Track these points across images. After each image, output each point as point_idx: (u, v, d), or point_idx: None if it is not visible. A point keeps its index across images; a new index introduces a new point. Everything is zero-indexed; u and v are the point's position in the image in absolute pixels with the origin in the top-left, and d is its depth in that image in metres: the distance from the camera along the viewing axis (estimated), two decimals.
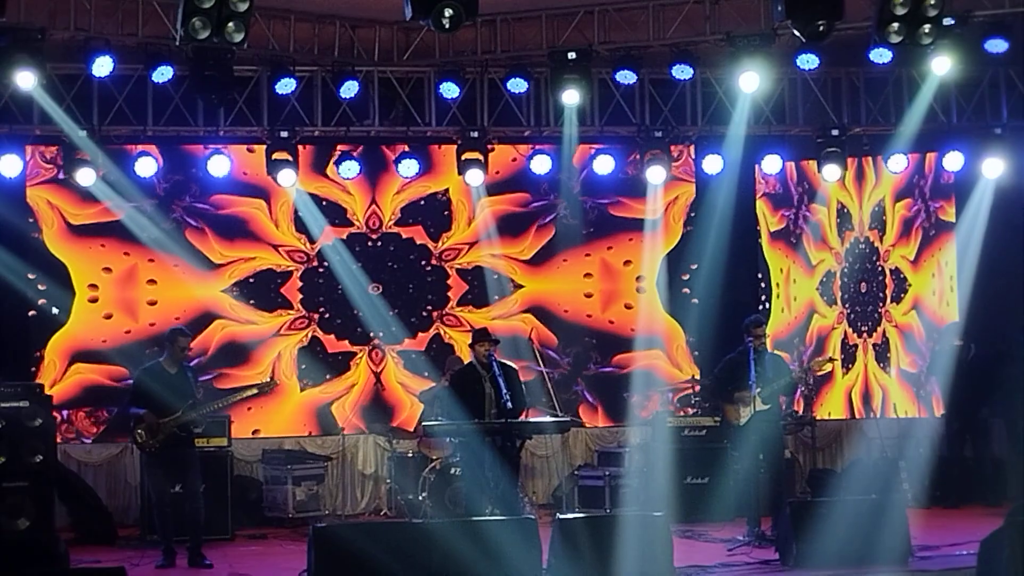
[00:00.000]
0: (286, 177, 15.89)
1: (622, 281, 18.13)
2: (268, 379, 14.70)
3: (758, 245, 18.63)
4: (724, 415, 14.55)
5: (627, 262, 18.09)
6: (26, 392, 14.65)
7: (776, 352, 14.96)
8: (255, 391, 14.36)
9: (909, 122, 16.36)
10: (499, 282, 17.68)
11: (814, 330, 18.36)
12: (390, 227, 17.43)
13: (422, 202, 17.49)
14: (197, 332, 16.04)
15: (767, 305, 18.66)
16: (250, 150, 16.64)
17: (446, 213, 17.58)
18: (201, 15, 11.74)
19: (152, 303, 16.90)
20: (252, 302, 17.19)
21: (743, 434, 14.20)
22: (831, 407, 18.12)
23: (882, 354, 18.20)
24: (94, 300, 16.78)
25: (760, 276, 18.60)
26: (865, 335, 18.36)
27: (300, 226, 17.16)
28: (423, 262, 17.62)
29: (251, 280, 17.21)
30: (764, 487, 14.18)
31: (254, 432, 16.97)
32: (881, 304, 18.29)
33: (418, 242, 17.55)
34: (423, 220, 17.52)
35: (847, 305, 18.38)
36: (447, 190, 17.48)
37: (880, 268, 18.30)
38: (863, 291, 18.35)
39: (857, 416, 17.98)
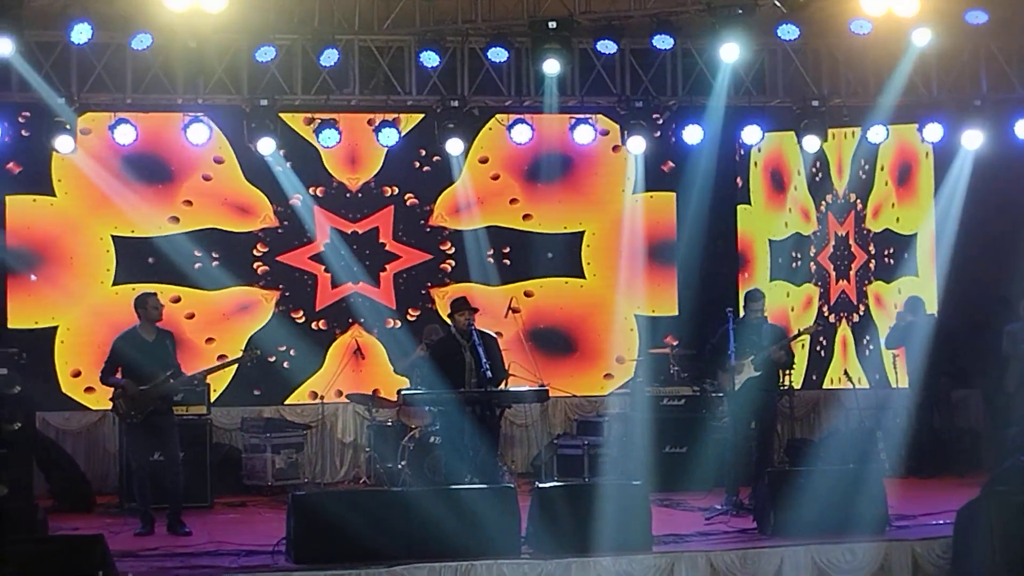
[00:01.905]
0: (266, 145, 15.85)
1: None
2: (251, 350, 14.63)
3: (735, 216, 18.71)
4: (720, 383, 14.66)
5: None
6: (4, 359, 14.63)
7: (776, 324, 14.98)
8: (236, 363, 14.37)
9: (889, 94, 16.38)
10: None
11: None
12: None
13: None
14: None
15: (746, 275, 18.71)
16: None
17: None
18: None
19: None
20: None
21: (733, 400, 14.27)
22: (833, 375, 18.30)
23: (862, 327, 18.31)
24: None
25: (738, 247, 18.70)
26: (845, 314, 18.50)
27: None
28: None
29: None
30: (751, 454, 14.25)
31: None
32: (867, 281, 18.37)
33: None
34: None
35: (818, 281, 18.49)
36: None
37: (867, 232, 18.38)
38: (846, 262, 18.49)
39: (834, 386, 18.08)
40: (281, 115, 16.28)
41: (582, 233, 18.21)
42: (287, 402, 17.21)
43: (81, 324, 16.68)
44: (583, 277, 18.22)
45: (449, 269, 17.86)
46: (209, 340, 17.06)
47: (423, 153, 17.64)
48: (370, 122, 16.90)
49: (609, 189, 18.17)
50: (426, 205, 17.84)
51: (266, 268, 17.45)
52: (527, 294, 17.86)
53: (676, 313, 17.87)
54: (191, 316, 17.05)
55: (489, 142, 17.76)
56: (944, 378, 16.82)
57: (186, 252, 17.00)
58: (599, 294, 18.19)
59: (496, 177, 18.01)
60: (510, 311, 16.52)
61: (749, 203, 18.66)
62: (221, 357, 15.93)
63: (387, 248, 17.76)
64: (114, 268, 16.88)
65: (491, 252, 17.87)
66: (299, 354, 17.36)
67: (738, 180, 18.54)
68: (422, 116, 16.98)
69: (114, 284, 16.78)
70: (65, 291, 16.72)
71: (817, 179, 18.48)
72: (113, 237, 16.93)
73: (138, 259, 16.89)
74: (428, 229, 17.86)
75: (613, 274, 18.19)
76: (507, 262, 17.95)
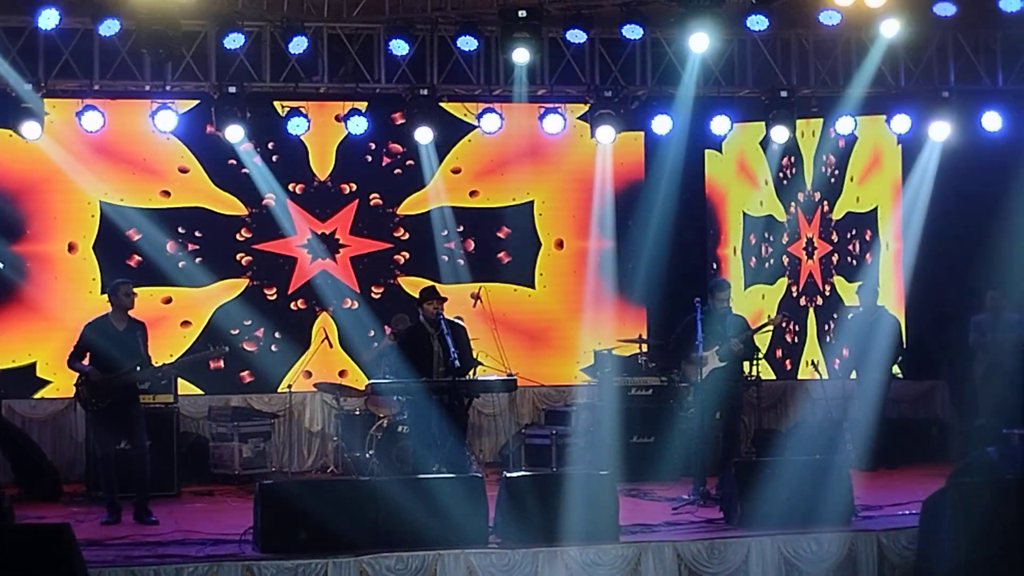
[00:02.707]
0: (234, 133, 15.78)
1: None
2: (220, 347, 14.57)
3: (705, 205, 18.78)
4: (683, 373, 14.67)
5: None
6: None
7: (738, 314, 15.04)
8: (207, 358, 14.34)
9: (857, 85, 16.42)
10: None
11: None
12: None
13: None
14: None
15: (715, 266, 18.77)
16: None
17: None
18: None
19: None
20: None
21: (698, 391, 14.28)
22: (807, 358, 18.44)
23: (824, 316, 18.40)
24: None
25: (711, 236, 18.78)
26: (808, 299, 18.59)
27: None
28: None
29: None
30: (717, 444, 14.28)
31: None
32: (831, 273, 18.46)
33: None
34: None
35: (789, 272, 18.58)
36: None
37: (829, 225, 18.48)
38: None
39: (804, 376, 18.15)
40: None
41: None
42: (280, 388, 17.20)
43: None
44: (532, 287, 18.29)
45: (402, 261, 17.92)
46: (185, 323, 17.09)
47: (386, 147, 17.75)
48: (337, 117, 16.85)
49: (563, 160, 18.22)
50: (390, 207, 17.89)
51: (249, 258, 17.44)
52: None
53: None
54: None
55: (464, 154, 17.90)
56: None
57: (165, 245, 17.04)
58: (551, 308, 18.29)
59: (457, 171, 18.11)
60: (477, 300, 16.47)
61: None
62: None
63: (341, 242, 17.80)
64: (99, 276, 16.79)
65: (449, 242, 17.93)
66: (284, 337, 17.40)
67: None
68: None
69: (103, 292, 16.49)
70: (47, 315, 16.59)
71: (789, 177, 18.56)
72: (101, 203, 16.96)
73: (120, 261, 16.81)
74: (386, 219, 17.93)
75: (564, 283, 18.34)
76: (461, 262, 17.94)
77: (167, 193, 17.20)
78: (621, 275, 18.00)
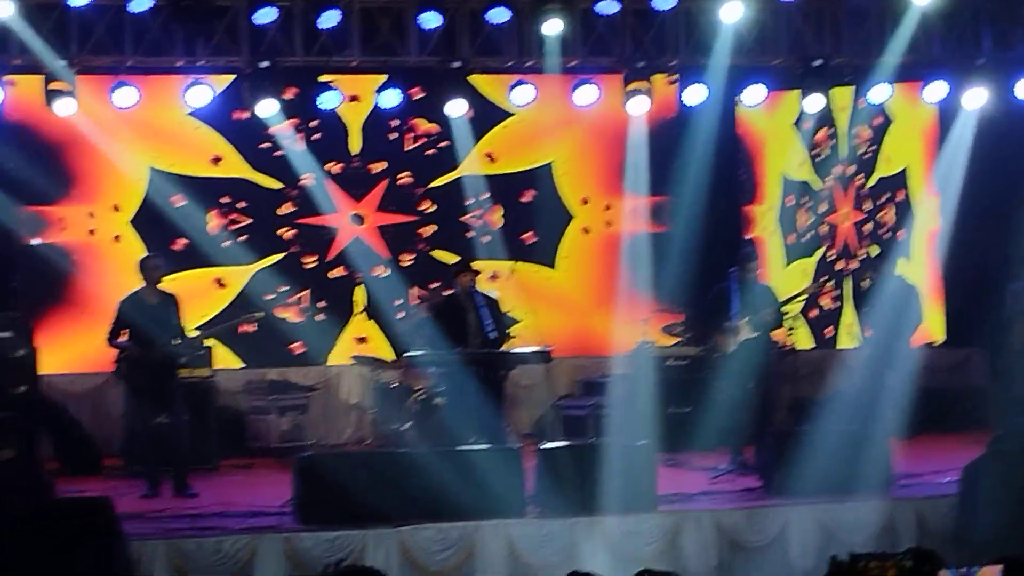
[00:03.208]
0: (265, 107, 15.74)
1: None
2: (253, 313, 14.60)
3: (737, 179, 18.74)
4: (714, 344, 14.61)
5: None
6: (8, 322, 14.65)
7: (766, 284, 15.00)
8: (239, 325, 14.38)
9: (891, 53, 16.31)
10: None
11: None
12: None
13: None
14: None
15: (749, 238, 18.72)
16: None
17: None
18: None
19: None
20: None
21: (731, 362, 14.26)
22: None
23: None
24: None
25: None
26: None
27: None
28: None
29: None
30: (750, 415, 14.25)
31: None
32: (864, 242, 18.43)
33: None
34: None
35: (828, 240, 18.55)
36: None
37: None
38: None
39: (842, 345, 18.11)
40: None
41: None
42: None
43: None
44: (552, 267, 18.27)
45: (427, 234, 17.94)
46: None
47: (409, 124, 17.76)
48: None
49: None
50: (417, 188, 17.92)
51: (294, 232, 17.49)
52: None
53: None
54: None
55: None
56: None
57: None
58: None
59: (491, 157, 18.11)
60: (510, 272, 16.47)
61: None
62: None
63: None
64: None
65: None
66: (330, 305, 17.47)
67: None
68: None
69: None
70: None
71: (826, 151, 18.53)
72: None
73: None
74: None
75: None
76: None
77: (217, 160, 17.30)
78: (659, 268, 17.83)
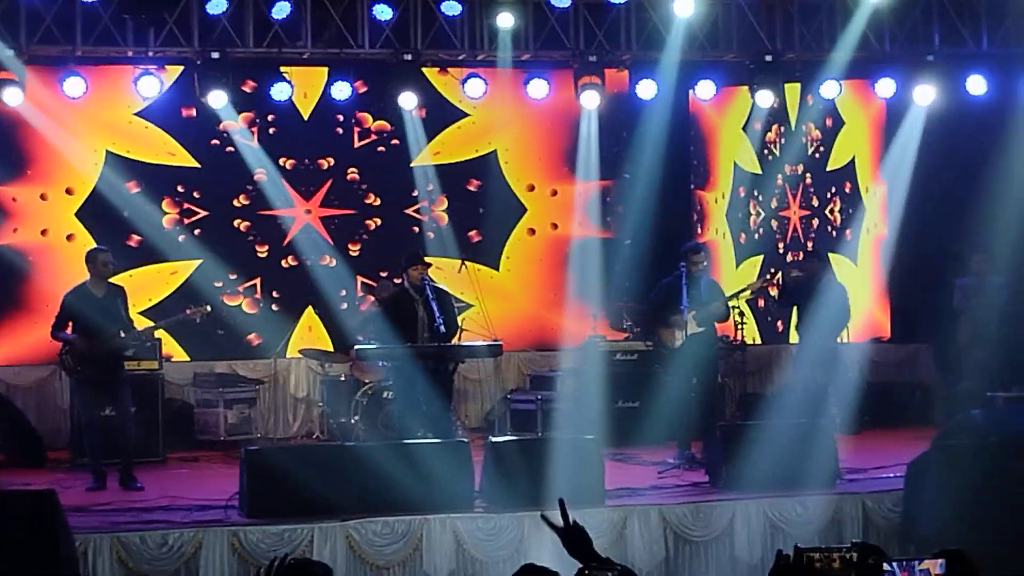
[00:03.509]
0: (216, 99, 15.67)
1: None
2: (203, 305, 14.54)
3: (691, 169, 18.80)
4: (659, 339, 14.61)
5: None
6: None
7: (712, 278, 15.05)
8: (186, 317, 14.30)
9: (842, 48, 16.37)
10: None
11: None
12: None
13: None
14: None
15: (699, 230, 18.76)
16: None
17: None
18: None
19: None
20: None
21: (677, 357, 14.28)
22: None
23: None
24: None
25: (695, 203, 18.79)
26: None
27: None
28: None
29: None
30: (696, 410, 14.27)
31: None
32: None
33: None
34: None
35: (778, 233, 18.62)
36: None
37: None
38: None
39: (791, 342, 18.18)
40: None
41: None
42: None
43: None
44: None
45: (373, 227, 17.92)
46: None
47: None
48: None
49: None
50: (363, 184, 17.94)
51: (248, 224, 17.46)
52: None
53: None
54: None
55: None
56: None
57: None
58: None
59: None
60: (462, 265, 16.42)
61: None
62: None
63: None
64: None
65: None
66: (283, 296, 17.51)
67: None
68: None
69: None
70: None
71: (778, 148, 18.63)
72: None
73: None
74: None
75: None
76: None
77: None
78: (607, 266, 17.87)
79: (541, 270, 18.30)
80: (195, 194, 17.34)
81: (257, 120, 17.38)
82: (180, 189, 17.27)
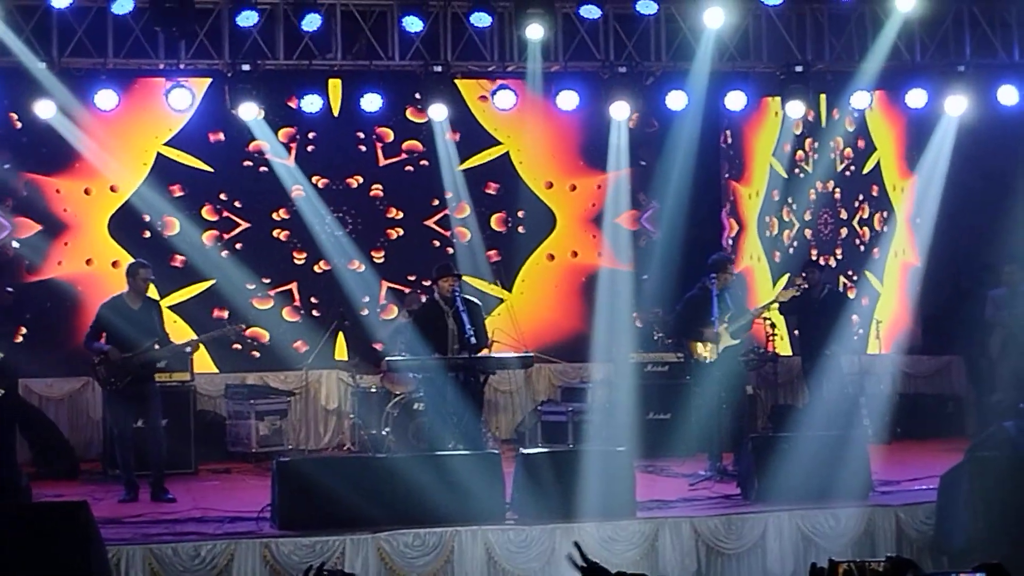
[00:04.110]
0: (247, 111, 15.71)
1: None
2: (238, 323, 14.58)
3: (720, 182, 18.76)
4: (691, 352, 14.57)
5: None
6: None
7: (738, 290, 15.01)
8: (223, 334, 14.34)
9: (873, 59, 16.33)
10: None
11: None
12: None
13: None
14: None
15: (730, 243, 18.73)
16: None
17: None
18: None
19: None
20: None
21: (710, 369, 14.24)
22: None
23: None
24: None
25: (724, 213, 18.75)
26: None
27: None
28: None
29: None
30: (726, 422, 14.25)
31: None
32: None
33: None
34: None
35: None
36: None
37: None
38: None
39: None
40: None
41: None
42: None
43: None
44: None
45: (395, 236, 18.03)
46: None
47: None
48: None
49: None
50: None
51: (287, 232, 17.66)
52: None
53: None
54: None
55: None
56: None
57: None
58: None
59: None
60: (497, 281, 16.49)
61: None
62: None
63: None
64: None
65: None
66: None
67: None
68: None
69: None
70: None
71: (809, 164, 18.63)
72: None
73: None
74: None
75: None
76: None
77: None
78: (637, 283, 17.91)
79: (555, 297, 18.23)
80: (236, 203, 17.48)
81: (297, 136, 17.48)
82: (223, 197, 17.44)
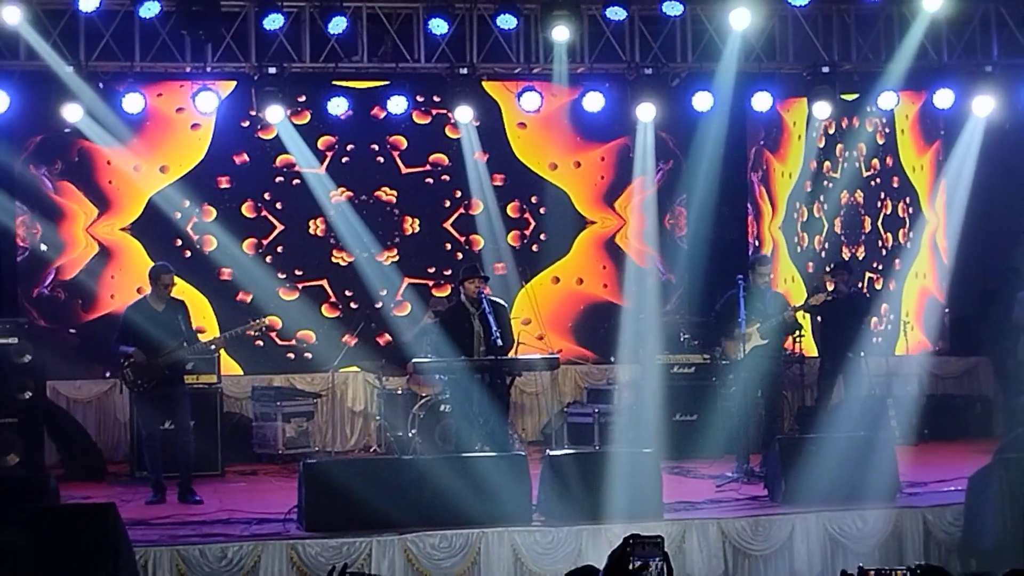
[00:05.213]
0: (274, 113, 15.74)
1: None
2: (262, 319, 14.61)
3: (747, 183, 18.72)
4: (723, 350, 14.60)
5: None
6: (15, 329, 14.65)
7: (778, 291, 14.98)
8: (248, 331, 14.36)
9: (900, 60, 16.28)
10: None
11: None
12: None
13: None
14: None
15: (757, 243, 18.69)
16: None
17: None
18: None
19: None
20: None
21: (739, 368, 14.24)
22: None
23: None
24: None
25: (749, 214, 18.72)
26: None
27: None
28: None
29: None
30: (760, 422, 14.23)
31: None
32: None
33: None
34: None
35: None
36: None
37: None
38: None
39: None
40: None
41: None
42: None
43: None
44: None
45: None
46: None
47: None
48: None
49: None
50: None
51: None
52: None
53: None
54: None
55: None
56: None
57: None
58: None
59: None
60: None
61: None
62: None
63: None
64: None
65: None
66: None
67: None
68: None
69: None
70: None
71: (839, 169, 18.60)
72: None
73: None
74: None
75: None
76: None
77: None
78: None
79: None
80: (278, 205, 17.60)
81: (336, 146, 17.60)
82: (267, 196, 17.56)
